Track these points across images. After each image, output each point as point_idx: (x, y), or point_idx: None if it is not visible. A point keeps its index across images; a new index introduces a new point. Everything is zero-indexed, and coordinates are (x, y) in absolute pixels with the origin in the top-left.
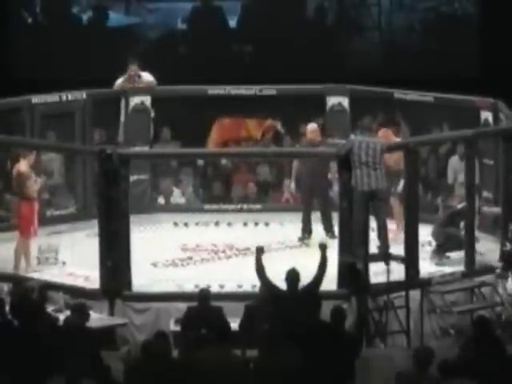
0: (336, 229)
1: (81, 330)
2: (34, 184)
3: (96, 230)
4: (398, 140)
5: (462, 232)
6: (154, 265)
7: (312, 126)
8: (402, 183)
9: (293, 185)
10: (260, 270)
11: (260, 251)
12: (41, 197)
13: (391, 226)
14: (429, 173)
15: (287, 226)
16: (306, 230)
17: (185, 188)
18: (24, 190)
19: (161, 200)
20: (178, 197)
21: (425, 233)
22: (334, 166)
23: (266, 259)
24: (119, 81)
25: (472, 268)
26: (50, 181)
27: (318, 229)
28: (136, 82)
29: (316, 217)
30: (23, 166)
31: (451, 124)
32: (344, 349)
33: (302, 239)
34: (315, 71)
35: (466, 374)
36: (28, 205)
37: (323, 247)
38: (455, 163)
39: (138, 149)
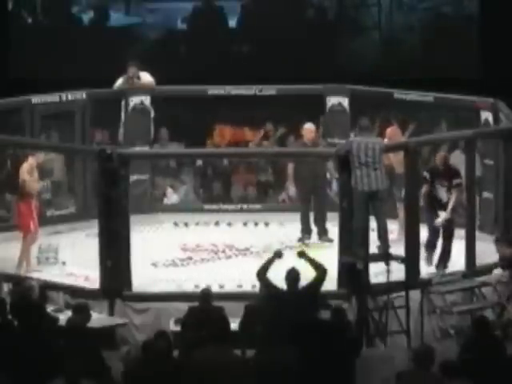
0: (334, 230)
1: (83, 330)
2: (35, 182)
3: (96, 229)
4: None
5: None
6: (154, 265)
7: (310, 126)
8: None
9: (292, 188)
10: (262, 272)
11: (277, 255)
12: (41, 197)
13: (393, 226)
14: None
15: (287, 226)
16: (306, 231)
17: (178, 188)
18: (23, 186)
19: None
20: (170, 196)
21: (425, 233)
22: (331, 165)
23: (264, 259)
24: (118, 82)
25: (472, 268)
26: (51, 179)
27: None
28: (135, 84)
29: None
30: (29, 163)
31: (451, 124)
32: (344, 349)
33: (301, 240)
34: (315, 71)
35: (466, 374)
36: (25, 203)
37: (301, 254)
38: (456, 158)
39: (138, 149)
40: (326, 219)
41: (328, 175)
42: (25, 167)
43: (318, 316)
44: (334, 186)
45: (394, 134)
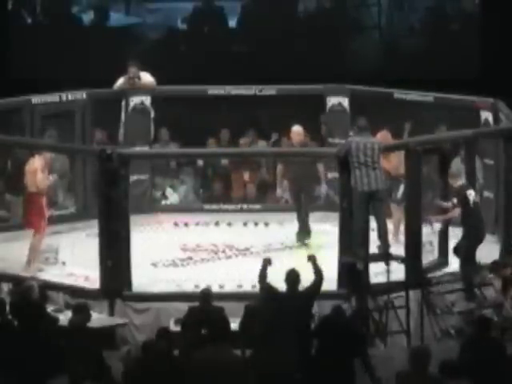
0: (334, 230)
1: (83, 330)
2: (46, 179)
3: (96, 230)
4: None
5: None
6: (154, 265)
7: (297, 128)
8: (401, 189)
9: (279, 190)
10: (262, 280)
11: (267, 262)
12: (49, 194)
13: (391, 226)
14: (430, 173)
15: (287, 226)
16: (305, 231)
17: (178, 188)
18: (35, 183)
19: (163, 200)
20: (170, 196)
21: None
22: (322, 167)
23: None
24: (119, 82)
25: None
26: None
27: (316, 228)
28: (136, 84)
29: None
30: (37, 161)
31: (451, 124)
32: (344, 348)
33: (300, 240)
34: (315, 71)
35: (466, 374)
36: (37, 199)
37: (313, 259)
38: (457, 164)
39: (138, 149)
40: (308, 222)
41: (321, 175)
42: (36, 164)
43: (318, 317)
44: (323, 188)
45: (384, 139)
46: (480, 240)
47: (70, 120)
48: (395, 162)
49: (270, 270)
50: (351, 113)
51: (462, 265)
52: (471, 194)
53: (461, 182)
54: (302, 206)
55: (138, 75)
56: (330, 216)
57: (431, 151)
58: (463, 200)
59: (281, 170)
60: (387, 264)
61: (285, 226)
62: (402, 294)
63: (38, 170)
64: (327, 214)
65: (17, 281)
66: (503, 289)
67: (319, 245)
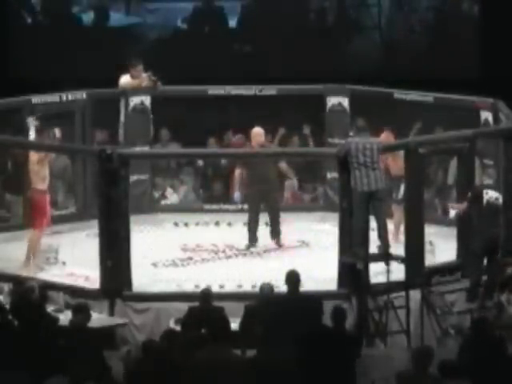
0: (335, 230)
1: (83, 330)
2: (46, 175)
3: (96, 230)
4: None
5: None
6: (154, 265)
7: (258, 130)
8: (402, 189)
9: (237, 194)
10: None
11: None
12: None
13: (391, 226)
14: (430, 173)
15: (286, 226)
16: (254, 239)
17: (178, 188)
18: (37, 178)
19: (162, 200)
20: (170, 196)
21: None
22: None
23: (264, 259)
24: (124, 79)
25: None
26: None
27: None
28: (150, 81)
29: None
30: (37, 156)
31: (451, 124)
32: (344, 349)
33: (248, 247)
34: (315, 71)
35: (465, 374)
36: (40, 196)
37: None
38: (453, 167)
39: (138, 149)
40: (279, 224)
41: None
42: (36, 158)
43: (318, 318)
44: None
45: (387, 140)
46: (486, 241)
47: (70, 120)
48: (401, 163)
49: (268, 269)
50: (351, 113)
51: (468, 264)
52: (488, 193)
53: (490, 181)
54: (258, 212)
55: (142, 74)
56: (330, 216)
57: (442, 152)
58: (477, 198)
59: (239, 174)
60: (387, 264)
61: (284, 226)
62: (402, 294)
63: (40, 164)
64: (327, 214)
65: (17, 281)
66: (503, 288)
67: (319, 245)
